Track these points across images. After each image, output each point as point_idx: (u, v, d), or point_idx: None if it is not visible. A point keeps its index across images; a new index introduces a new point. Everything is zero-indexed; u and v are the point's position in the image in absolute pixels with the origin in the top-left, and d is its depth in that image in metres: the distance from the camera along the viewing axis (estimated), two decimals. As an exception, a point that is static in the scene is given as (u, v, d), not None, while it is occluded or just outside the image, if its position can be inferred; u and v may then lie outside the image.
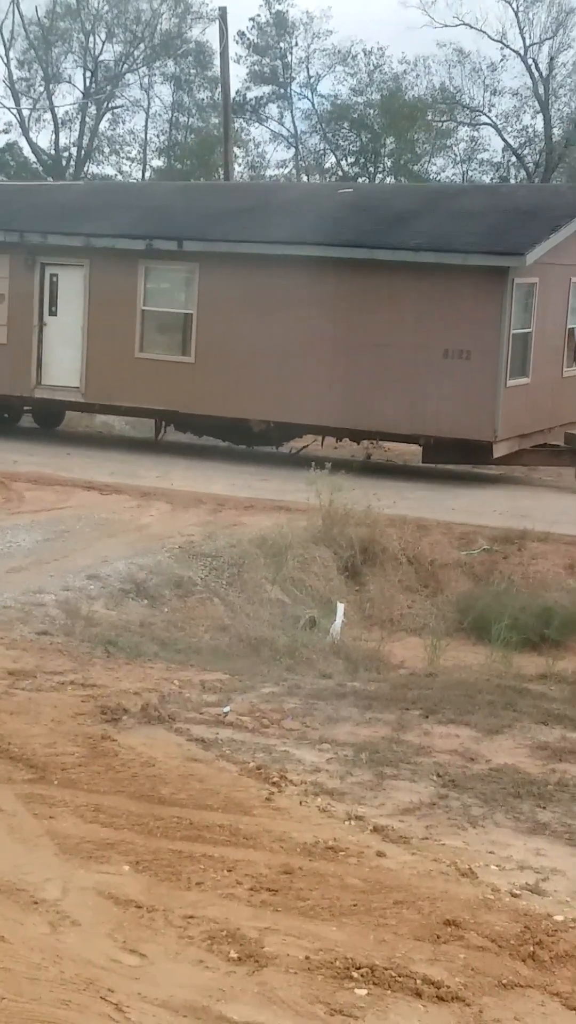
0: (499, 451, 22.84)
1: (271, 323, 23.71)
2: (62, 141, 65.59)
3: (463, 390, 22.44)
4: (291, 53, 64.65)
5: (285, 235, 24.08)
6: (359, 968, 6.37)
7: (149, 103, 66.85)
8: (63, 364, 25.66)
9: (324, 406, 23.40)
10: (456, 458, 23.73)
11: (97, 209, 27.50)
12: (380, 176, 64.16)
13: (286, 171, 66.16)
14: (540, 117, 62.57)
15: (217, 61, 46.69)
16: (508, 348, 22.42)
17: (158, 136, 68.09)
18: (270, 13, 63.62)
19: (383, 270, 23.01)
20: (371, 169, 64.61)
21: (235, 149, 56.84)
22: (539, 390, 23.99)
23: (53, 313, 25.86)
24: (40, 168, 63.61)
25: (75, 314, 25.53)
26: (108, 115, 66.46)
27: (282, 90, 65.44)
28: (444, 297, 22.67)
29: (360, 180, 62.06)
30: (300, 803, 8.92)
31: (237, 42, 62.01)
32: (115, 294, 25.09)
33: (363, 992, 6.18)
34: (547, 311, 23.93)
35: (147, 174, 65.16)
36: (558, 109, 63.17)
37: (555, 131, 62.60)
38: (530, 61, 61.98)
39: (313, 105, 65.24)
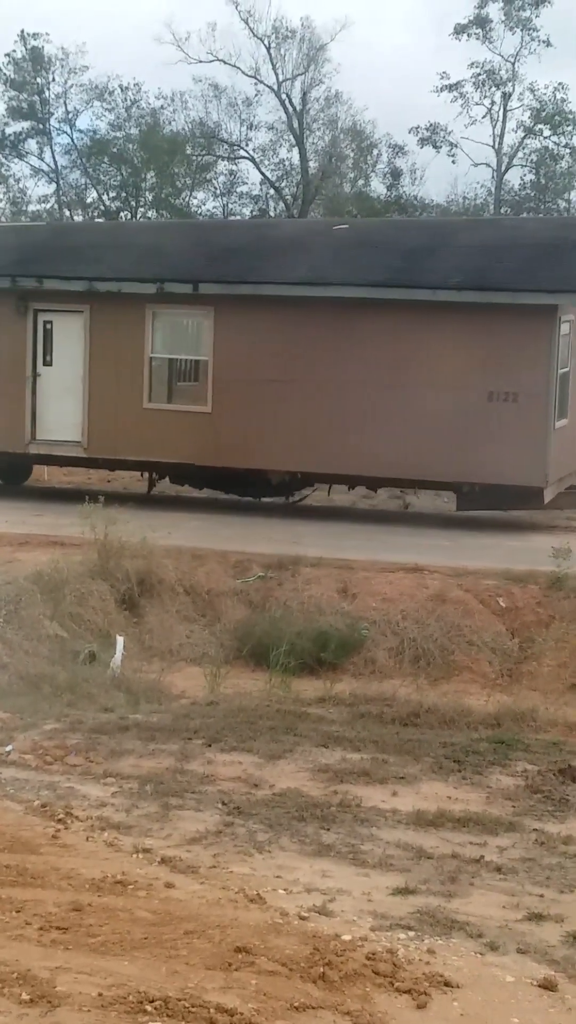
0: (548, 496, 21.81)
1: (293, 368, 22.38)
2: None
3: (510, 434, 21.30)
4: (48, 88, 64.29)
5: (308, 275, 22.71)
6: (152, 1001, 6.32)
7: None
8: (62, 417, 23.80)
9: (353, 454, 22.13)
10: (499, 505, 22.51)
11: (89, 250, 25.40)
12: (142, 211, 64.21)
13: (48, 206, 65.65)
14: (296, 151, 63.57)
15: (-26, 97, 46.16)
16: (556, 389, 21.53)
17: None
18: (26, 48, 63.12)
19: (417, 309, 21.80)
20: (133, 203, 64.61)
21: (-4, 185, 56.30)
22: (572, 430, 23.09)
23: (48, 363, 24.06)
24: None
25: (74, 364, 23.74)
26: None
27: (41, 125, 64.96)
28: (487, 337, 21.46)
29: (119, 216, 61.95)
30: (87, 839, 8.87)
31: (-7, 77, 61.53)
32: (119, 341, 23.42)
33: (157, 1025, 6.17)
34: None
35: None
36: (312, 143, 64.24)
37: (311, 164, 63.63)
38: (284, 96, 62.94)
39: (72, 140, 64.93)
